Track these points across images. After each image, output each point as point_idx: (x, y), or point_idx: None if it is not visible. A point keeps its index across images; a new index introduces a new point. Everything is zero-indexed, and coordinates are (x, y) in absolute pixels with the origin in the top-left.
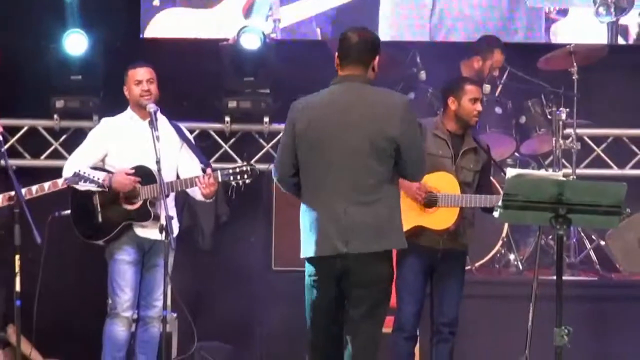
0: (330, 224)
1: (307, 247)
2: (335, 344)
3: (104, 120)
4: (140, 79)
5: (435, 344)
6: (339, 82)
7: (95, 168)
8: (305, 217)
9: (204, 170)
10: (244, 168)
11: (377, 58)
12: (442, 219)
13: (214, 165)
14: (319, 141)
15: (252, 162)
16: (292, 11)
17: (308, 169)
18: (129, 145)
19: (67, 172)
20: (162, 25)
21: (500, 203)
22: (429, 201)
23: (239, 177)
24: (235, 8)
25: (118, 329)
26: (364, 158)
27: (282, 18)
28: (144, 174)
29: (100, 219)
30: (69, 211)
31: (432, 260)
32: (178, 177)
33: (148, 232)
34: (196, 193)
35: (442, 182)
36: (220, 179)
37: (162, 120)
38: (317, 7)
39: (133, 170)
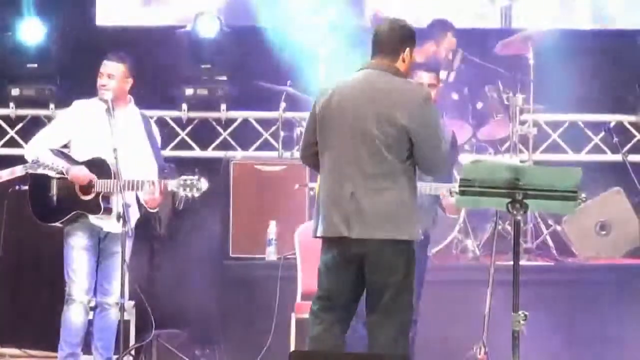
0: (334, 207)
1: (314, 226)
2: (334, 325)
3: (76, 103)
4: (102, 72)
5: None
6: (362, 69)
7: (59, 151)
8: (319, 196)
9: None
10: (194, 181)
11: (408, 49)
12: None
13: (171, 153)
14: (333, 124)
15: (210, 149)
16: None
17: (324, 151)
18: (93, 132)
19: (29, 154)
20: (119, 13)
21: (457, 189)
22: None
23: (188, 189)
24: None
25: (73, 315)
26: (372, 144)
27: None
28: (99, 166)
29: (55, 203)
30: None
31: None
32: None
33: (102, 222)
34: (142, 195)
35: None
36: (169, 189)
37: (134, 112)
38: None
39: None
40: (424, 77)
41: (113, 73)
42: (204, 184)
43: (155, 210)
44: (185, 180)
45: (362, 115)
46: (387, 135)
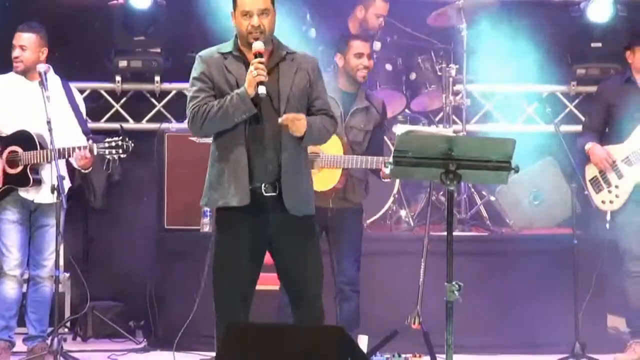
0: None
1: None
2: None
3: None
4: (15, 44)
5: (338, 302)
6: None
7: None
8: None
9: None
10: (119, 142)
11: None
12: (325, 179)
13: (105, 125)
14: None
15: (144, 121)
16: None
17: None
18: (16, 105)
19: None
20: None
21: (390, 159)
22: None
23: (114, 151)
24: None
25: (7, 288)
26: None
27: None
28: (24, 139)
29: None
30: None
31: (324, 220)
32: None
33: (31, 194)
34: (74, 161)
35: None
36: (95, 152)
37: (54, 81)
38: None
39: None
40: (353, 45)
41: (25, 44)
42: (129, 144)
43: (89, 170)
44: (110, 141)
45: None
46: None
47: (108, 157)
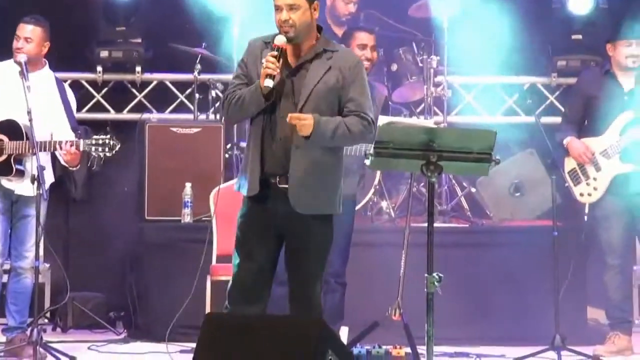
0: None
1: None
2: None
3: None
4: (19, 35)
5: (323, 294)
6: None
7: None
8: None
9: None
10: (107, 141)
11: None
12: None
13: (86, 115)
14: None
15: (125, 111)
16: None
17: None
18: (6, 94)
19: None
20: None
21: (371, 151)
22: None
23: (100, 148)
24: None
25: None
26: None
27: None
28: (11, 128)
29: None
30: None
31: None
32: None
33: (14, 185)
34: (60, 156)
35: None
36: (82, 148)
37: (48, 75)
38: None
39: None
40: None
41: (31, 37)
42: (116, 143)
43: (76, 168)
44: (97, 139)
45: None
46: None
47: (94, 154)
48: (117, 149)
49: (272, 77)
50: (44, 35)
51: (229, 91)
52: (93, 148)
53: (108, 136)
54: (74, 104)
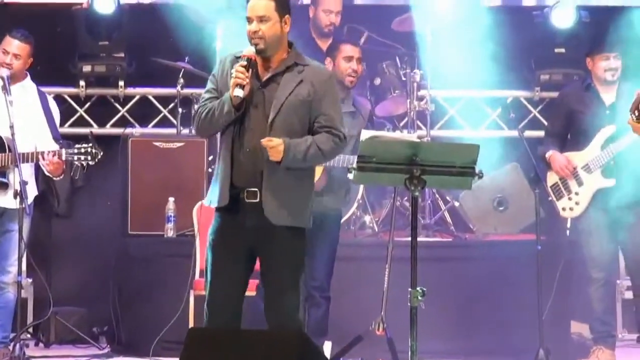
0: None
1: None
2: None
3: None
4: (7, 50)
5: (307, 308)
6: None
7: None
8: None
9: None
10: (89, 149)
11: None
12: None
13: (69, 130)
14: None
15: (108, 126)
16: None
17: None
18: None
19: None
20: None
21: (355, 165)
22: None
23: (82, 157)
24: None
25: None
26: None
27: None
28: None
29: None
30: None
31: None
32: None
33: None
34: (44, 167)
35: None
36: (64, 157)
37: (30, 88)
38: None
39: None
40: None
41: (19, 53)
42: (98, 152)
43: (59, 178)
44: (80, 147)
45: None
46: None
47: (77, 163)
48: (99, 157)
49: (242, 86)
50: (31, 52)
51: (199, 105)
52: (75, 157)
53: (90, 145)
54: (57, 115)
